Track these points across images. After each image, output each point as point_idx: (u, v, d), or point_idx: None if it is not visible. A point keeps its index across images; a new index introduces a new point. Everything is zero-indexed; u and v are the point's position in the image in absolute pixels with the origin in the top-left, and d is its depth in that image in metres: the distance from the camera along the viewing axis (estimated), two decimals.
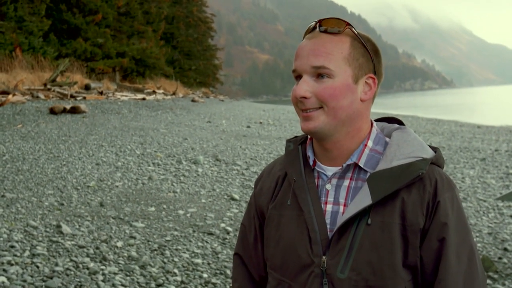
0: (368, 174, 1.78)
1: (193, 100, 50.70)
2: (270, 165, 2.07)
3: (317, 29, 1.79)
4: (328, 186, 1.83)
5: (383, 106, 69.80)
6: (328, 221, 1.79)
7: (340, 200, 1.80)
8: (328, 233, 1.77)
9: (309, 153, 1.89)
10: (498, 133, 27.52)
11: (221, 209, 10.01)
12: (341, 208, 1.79)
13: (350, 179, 1.82)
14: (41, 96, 28.92)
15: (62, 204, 9.53)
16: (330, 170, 1.84)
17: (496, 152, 19.00)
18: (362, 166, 1.80)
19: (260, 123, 30.15)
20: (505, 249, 8.02)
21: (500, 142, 22.78)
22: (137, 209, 9.69)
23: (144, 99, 40.29)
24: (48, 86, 31.55)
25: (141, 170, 13.49)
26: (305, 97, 1.73)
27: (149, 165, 14.14)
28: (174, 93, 54.40)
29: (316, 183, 1.85)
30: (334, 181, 1.83)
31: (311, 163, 1.88)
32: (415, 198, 1.74)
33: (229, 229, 8.51)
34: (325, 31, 1.77)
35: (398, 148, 1.79)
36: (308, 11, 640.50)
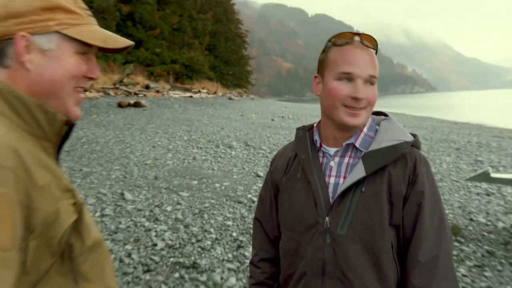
0: (363, 153, 1.82)
1: (229, 98, 50.85)
2: (282, 149, 2.09)
3: (360, 42, 1.78)
4: (332, 163, 1.86)
5: (380, 105, 69.32)
6: (330, 190, 1.82)
7: (341, 174, 1.84)
8: (330, 200, 1.80)
9: (316, 137, 1.92)
10: (471, 129, 27.26)
11: (248, 183, 10.07)
12: (341, 180, 1.83)
13: (349, 157, 1.85)
14: (111, 93, 29.15)
15: (125, 177, 9.68)
16: (332, 150, 1.87)
17: (468, 143, 18.83)
18: (357, 146, 1.84)
19: (282, 117, 30.10)
20: (471, 219, 8.01)
21: (472, 135, 22.56)
22: (183, 182, 9.78)
23: (191, 96, 40.42)
24: (117, 86, 31.80)
25: (187, 152, 13.57)
26: (361, 99, 1.74)
27: (193, 148, 14.22)
28: (215, 92, 54.51)
29: (321, 161, 1.88)
30: (336, 159, 1.86)
31: (317, 145, 1.91)
32: (399, 172, 1.78)
33: (254, 199, 8.59)
34: (367, 46, 1.79)
35: (385, 133, 1.83)
36: (322, 29, 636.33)
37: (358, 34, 1.79)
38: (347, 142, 1.85)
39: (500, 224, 7.74)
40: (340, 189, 1.78)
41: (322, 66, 1.84)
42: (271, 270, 2.04)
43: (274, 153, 14.13)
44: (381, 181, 1.77)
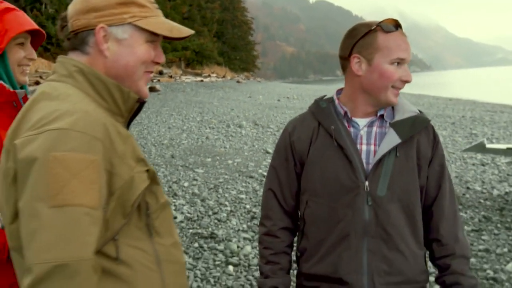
0: (387, 123, 1.87)
1: (238, 82, 50.77)
2: (299, 120, 2.01)
3: (398, 29, 1.83)
4: (362, 132, 1.88)
5: None
6: (363, 156, 1.84)
7: (371, 141, 1.87)
8: (365, 165, 1.83)
9: (345, 109, 1.90)
10: (465, 104, 27.16)
11: (259, 159, 10.10)
12: (372, 147, 1.86)
13: (377, 126, 1.89)
14: None
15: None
16: (361, 121, 1.89)
17: (463, 118, 18.78)
18: (384, 117, 1.89)
19: (287, 98, 30.06)
20: (468, 188, 8.00)
21: (466, 110, 22.50)
22: (198, 159, 9.82)
23: (202, 81, 40.43)
24: None
25: (201, 131, 13.61)
26: (410, 82, 1.87)
27: (206, 128, 14.26)
28: (224, 76, 54.53)
29: (348, 131, 1.88)
30: (365, 129, 1.88)
31: (347, 116, 1.90)
32: (424, 138, 1.89)
33: (265, 173, 8.60)
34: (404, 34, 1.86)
35: (403, 106, 1.90)
36: (323, 14, 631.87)
37: (396, 21, 1.83)
38: (380, 113, 1.89)
39: (495, 192, 7.74)
40: (378, 155, 1.81)
41: (368, 48, 1.82)
42: (289, 239, 1.99)
43: (281, 131, 14.19)
44: (411, 146, 1.85)
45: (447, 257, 1.87)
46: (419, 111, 1.93)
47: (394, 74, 1.79)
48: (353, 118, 1.89)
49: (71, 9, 1.37)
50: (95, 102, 1.32)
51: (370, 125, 1.89)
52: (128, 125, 1.47)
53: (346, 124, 1.89)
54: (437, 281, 1.92)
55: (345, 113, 1.89)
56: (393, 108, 1.91)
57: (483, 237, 5.66)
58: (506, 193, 7.71)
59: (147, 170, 1.35)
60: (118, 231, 1.26)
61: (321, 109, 1.93)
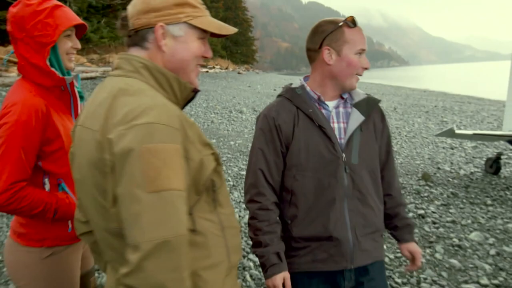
0: (348, 104, 2.01)
1: (238, 73, 50.70)
2: (279, 106, 2.01)
3: (357, 25, 1.93)
4: (332, 113, 1.97)
5: (364, 77, 68.83)
6: (337, 133, 1.94)
7: (340, 120, 1.97)
8: (339, 140, 1.93)
9: (318, 94, 1.97)
10: (437, 95, 27.09)
11: None
12: (342, 125, 1.96)
13: (342, 107, 2.00)
14: None
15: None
16: (330, 103, 1.98)
17: (435, 107, 18.77)
18: (347, 99, 2.02)
19: (282, 87, 29.93)
20: (438, 168, 8.06)
21: (438, 101, 22.45)
22: None
23: (207, 71, 40.27)
24: None
25: (206, 116, 13.63)
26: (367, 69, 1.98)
27: (211, 114, 14.27)
28: (226, 68, 54.35)
29: (322, 112, 1.96)
30: (334, 110, 1.98)
31: (320, 100, 1.97)
32: (377, 116, 2.05)
33: None
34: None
35: (356, 91, 2.03)
36: (314, 14, 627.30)
37: (354, 18, 1.92)
38: (344, 96, 2.01)
39: (462, 172, 7.81)
40: (349, 131, 1.93)
41: (337, 41, 1.90)
42: (278, 211, 1.99)
43: None
44: (369, 122, 2.00)
45: (396, 207, 2.11)
46: (366, 94, 2.07)
47: (358, 62, 1.90)
48: (324, 101, 1.99)
49: (131, 9, 1.39)
50: (159, 93, 1.34)
51: (337, 106, 1.99)
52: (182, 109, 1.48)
53: (318, 107, 1.97)
54: (388, 226, 2.14)
55: (319, 97, 1.98)
56: (349, 93, 2.03)
57: (450, 211, 5.74)
58: (471, 173, 7.78)
59: (213, 153, 1.37)
60: (193, 207, 1.30)
61: (298, 95, 1.98)
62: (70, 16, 1.92)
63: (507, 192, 6.57)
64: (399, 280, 3.86)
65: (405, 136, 11.53)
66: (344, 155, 1.90)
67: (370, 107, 1.99)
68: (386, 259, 4.26)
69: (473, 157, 9.05)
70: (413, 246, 2.13)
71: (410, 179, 7.28)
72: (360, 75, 1.95)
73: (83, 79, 21.05)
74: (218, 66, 51.30)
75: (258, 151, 1.99)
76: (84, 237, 1.55)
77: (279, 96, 2.08)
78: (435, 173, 7.69)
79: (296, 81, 2.08)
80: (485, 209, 5.81)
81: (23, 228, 1.92)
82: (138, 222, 1.12)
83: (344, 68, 1.91)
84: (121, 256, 1.22)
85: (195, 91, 1.44)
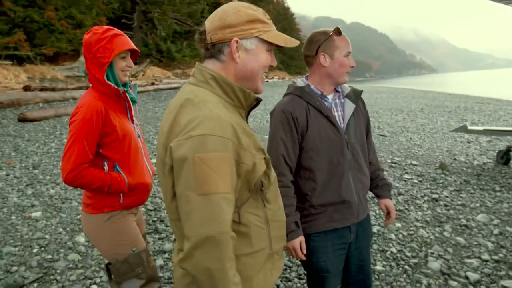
0: (341, 95, 2.05)
1: (293, 82, 50.18)
2: (293, 102, 2.00)
3: (342, 33, 1.96)
4: (332, 104, 2.03)
5: (397, 83, 66.74)
6: (338, 120, 2.00)
7: (338, 109, 2.03)
8: (340, 125, 1.98)
9: (321, 90, 2.01)
10: (460, 98, 25.45)
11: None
12: (340, 113, 2.02)
13: (338, 99, 2.05)
14: None
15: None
16: (329, 97, 2.03)
17: (457, 108, 17.71)
18: (340, 91, 2.08)
19: None
20: (455, 159, 7.60)
21: (460, 102, 21.18)
22: (258, 137, 9.82)
23: (267, 81, 40.09)
24: None
25: (263, 116, 13.58)
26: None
27: (267, 115, 14.21)
28: (283, 78, 54.09)
29: (325, 104, 2.00)
30: (332, 102, 2.03)
31: (323, 94, 2.01)
32: (361, 103, 2.14)
33: None
34: None
35: (343, 85, 2.07)
36: (356, 33, 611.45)
37: (339, 28, 1.96)
38: (338, 90, 2.06)
39: (475, 162, 7.33)
40: (346, 117, 2.00)
41: (330, 47, 1.95)
42: (293, 188, 2.00)
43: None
44: (358, 109, 2.08)
45: (376, 171, 2.22)
46: (350, 86, 2.14)
47: (347, 63, 1.97)
48: (326, 95, 2.04)
49: (208, 25, 1.34)
50: (224, 101, 1.32)
51: (334, 98, 2.04)
52: (247, 115, 1.45)
53: (321, 100, 2.00)
54: (370, 186, 2.20)
55: (321, 93, 2.01)
56: (340, 87, 2.08)
57: (461, 195, 5.38)
58: (484, 163, 7.27)
59: (264, 158, 1.34)
60: (244, 203, 1.30)
61: (306, 92, 2.00)
62: (125, 42, 2.05)
63: None
64: (409, 254, 3.65)
65: (428, 132, 10.97)
66: (346, 136, 1.98)
67: (356, 96, 2.06)
68: (400, 236, 4.05)
69: (487, 149, 8.46)
70: (389, 202, 2.21)
71: (429, 168, 6.90)
72: (349, 72, 2.00)
73: (169, 89, 21.69)
74: (276, 77, 51.19)
75: (279, 140, 1.99)
76: None
77: (288, 93, 2.07)
78: (451, 163, 7.26)
79: (299, 81, 2.08)
80: (493, 194, 5.41)
81: (88, 199, 2.09)
82: (190, 219, 1.15)
83: (337, 68, 1.96)
84: (180, 230, 1.29)
85: (258, 100, 1.39)
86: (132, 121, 2.19)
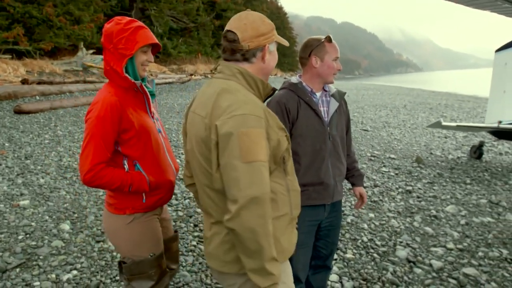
0: (328, 94, 2.23)
1: (284, 78, 49.94)
2: (288, 95, 2.17)
3: (332, 41, 2.15)
4: (320, 101, 2.21)
5: (386, 81, 66.85)
6: (323, 114, 2.18)
7: (324, 105, 2.21)
8: (324, 119, 2.16)
9: (311, 87, 2.19)
10: (442, 95, 25.70)
11: None
12: (325, 108, 2.20)
13: (324, 96, 2.23)
14: (209, 76, 29.31)
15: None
16: (317, 94, 2.21)
17: (439, 105, 17.83)
18: (327, 91, 2.26)
19: None
20: (431, 153, 7.64)
21: (442, 99, 21.29)
22: None
23: None
24: (213, 71, 31.88)
25: None
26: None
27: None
28: (275, 74, 53.66)
29: (314, 100, 2.18)
30: (319, 98, 2.21)
31: (312, 91, 2.19)
32: (344, 103, 2.34)
33: None
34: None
35: (330, 86, 2.27)
36: (347, 32, 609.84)
37: (330, 36, 2.16)
38: (325, 88, 2.24)
39: (450, 156, 7.38)
40: (330, 112, 2.19)
41: (321, 52, 2.14)
42: None
43: None
44: (341, 107, 2.27)
45: (352, 163, 2.41)
46: (336, 88, 2.31)
47: (335, 66, 2.16)
48: (314, 92, 2.22)
49: (242, 34, 1.48)
50: (248, 91, 1.47)
51: (321, 96, 2.22)
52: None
53: (311, 96, 2.18)
54: (346, 176, 2.39)
55: (311, 90, 2.19)
56: (328, 87, 2.27)
57: (434, 187, 5.41)
58: (458, 157, 7.33)
59: (286, 136, 1.49)
60: (271, 173, 1.43)
61: (299, 88, 2.19)
62: (149, 36, 1.89)
63: (485, 174, 6.15)
64: (379, 243, 3.67)
65: (409, 127, 11.02)
66: (328, 128, 2.16)
67: (340, 96, 2.27)
68: (372, 226, 4.07)
69: (462, 144, 8.53)
70: (362, 190, 2.43)
71: (406, 161, 6.93)
72: (335, 74, 2.17)
73: (164, 83, 21.53)
74: None
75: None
76: (189, 187, 1.74)
77: (283, 88, 2.24)
78: (427, 157, 7.30)
79: (293, 78, 2.25)
80: (463, 187, 5.45)
81: (111, 199, 1.96)
82: (236, 184, 1.29)
83: (326, 69, 2.15)
84: (216, 204, 1.46)
85: (274, 90, 1.58)
86: (152, 116, 2.00)
